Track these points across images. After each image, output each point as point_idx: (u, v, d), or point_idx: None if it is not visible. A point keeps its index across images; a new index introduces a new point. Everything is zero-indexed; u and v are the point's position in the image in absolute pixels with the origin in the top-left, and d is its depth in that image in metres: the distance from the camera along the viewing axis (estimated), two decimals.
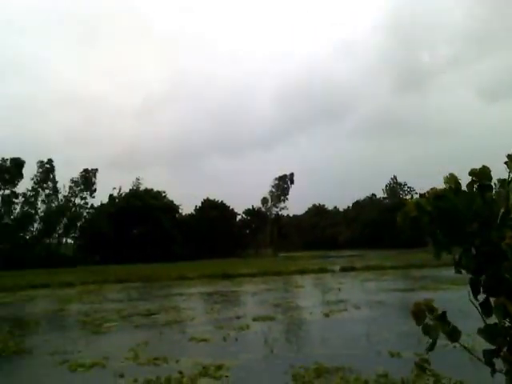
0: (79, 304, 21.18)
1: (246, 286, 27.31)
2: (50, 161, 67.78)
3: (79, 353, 10.78)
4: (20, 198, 65.03)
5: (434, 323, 2.09)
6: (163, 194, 79.21)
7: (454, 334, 2.12)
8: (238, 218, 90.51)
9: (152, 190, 78.71)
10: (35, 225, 67.19)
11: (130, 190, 78.42)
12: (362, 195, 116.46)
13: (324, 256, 65.61)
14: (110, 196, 76.29)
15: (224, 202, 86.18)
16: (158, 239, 69.31)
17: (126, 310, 17.90)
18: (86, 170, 70.68)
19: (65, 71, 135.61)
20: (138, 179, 79.76)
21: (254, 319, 14.41)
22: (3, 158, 62.56)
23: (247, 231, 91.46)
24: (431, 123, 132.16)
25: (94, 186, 71.11)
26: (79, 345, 11.64)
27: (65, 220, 68.31)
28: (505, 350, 1.99)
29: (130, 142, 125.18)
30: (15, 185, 63.93)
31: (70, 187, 69.76)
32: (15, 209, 65.15)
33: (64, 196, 69.19)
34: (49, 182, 67.56)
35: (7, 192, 63.30)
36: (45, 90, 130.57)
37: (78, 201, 70.65)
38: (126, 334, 13.40)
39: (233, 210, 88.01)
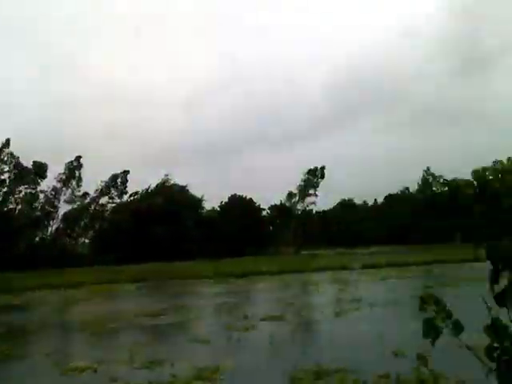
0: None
1: (261, 285, 26.51)
2: (78, 158, 66.93)
3: None
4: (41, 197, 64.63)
5: (436, 315, 2.04)
6: (187, 189, 77.21)
7: (456, 328, 2.03)
8: (264, 214, 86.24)
9: (176, 185, 77.10)
10: (53, 225, 66.57)
11: (157, 186, 76.64)
12: (397, 189, 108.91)
13: (348, 253, 63.79)
14: (133, 194, 74.73)
15: (252, 198, 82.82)
16: (179, 237, 68.45)
17: (132, 312, 17.22)
18: (115, 171, 70.31)
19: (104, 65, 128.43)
20: (166, 175, 77.69)
21: (262, 319, 13.61)
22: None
23: (270, 228, 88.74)
24: (489, 111, 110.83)
25: (125, 185, 70.91)
26: None
27: (85, 220, 67.90)
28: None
29: (168, 138, 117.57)
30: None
31: (101, 186, 69.39)
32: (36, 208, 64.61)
33: (88, 195, 68.61)
34: (72, 181, 66.59)
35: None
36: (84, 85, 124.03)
37: (105, 200, 70.24)
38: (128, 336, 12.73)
39: (259, 206, 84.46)
